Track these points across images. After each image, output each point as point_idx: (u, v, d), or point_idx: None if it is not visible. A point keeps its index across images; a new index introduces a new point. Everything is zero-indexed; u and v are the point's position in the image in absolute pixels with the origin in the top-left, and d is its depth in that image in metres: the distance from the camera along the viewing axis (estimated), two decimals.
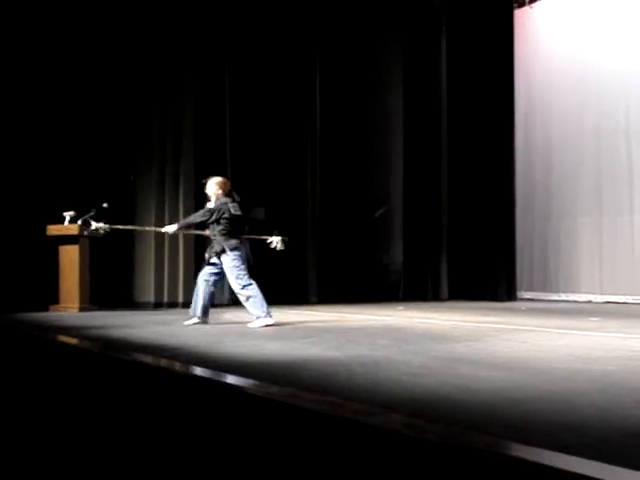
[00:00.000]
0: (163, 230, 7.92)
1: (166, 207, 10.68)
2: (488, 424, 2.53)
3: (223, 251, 7.05)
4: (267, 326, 6.78)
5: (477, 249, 12.85)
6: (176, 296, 10.58)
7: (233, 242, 7.10)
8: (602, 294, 12.03)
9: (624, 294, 11.70)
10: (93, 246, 9.61)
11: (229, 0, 11.52)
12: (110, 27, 10.53)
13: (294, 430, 2.53)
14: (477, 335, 6.05)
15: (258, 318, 6.89)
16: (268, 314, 6.91)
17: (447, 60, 13.39)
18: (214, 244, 7.17)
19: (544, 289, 12.90)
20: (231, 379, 3.28)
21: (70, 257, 9.37)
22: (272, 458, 2.59)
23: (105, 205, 9.48)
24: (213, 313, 7.48)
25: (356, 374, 3.74)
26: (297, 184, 12.40)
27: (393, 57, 13.80)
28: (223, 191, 7.35)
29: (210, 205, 7.33)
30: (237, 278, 7.01)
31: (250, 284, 6.98)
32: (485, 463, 1.94)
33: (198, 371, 3.60)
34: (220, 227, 7.14)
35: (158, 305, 10.42)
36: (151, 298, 10.49)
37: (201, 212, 7.39)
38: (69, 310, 9.19)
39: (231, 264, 7.04)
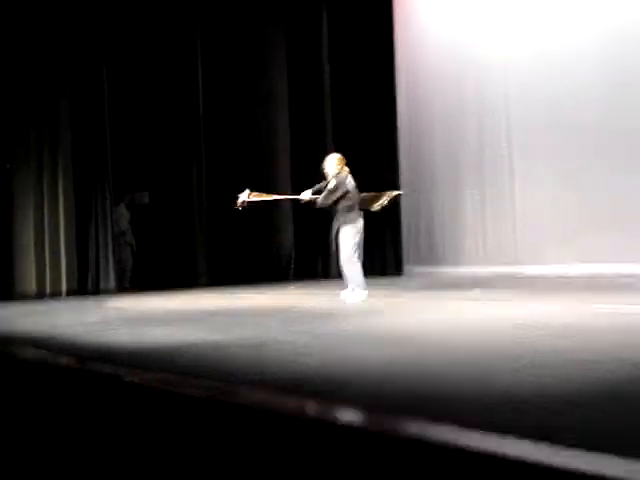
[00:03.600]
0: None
1: (45, 195, 10.31)
2: (370, 401, 2.54)
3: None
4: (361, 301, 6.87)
5: (365, 225, 12.95)
6: (59, 285, 10.23)
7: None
8: (486, 265, 12.35)
9: (506, 264, 12.04)
10: None
11: None
12: None
13: (166, 414, 2.48)
14: (363, 311, 6.11)
15: (353, 290, 7.01)
16: (364, 289, 7.02)
17: (329, 45, 13.36)
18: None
19: (431, 262, 13.16)
20: (105, 367, 3.17)
21: None
22: (144, 442, 2.52)
23: None
24: (98, 301, 7.29)
25: (239, 356, 3.70)
26: (182, 166, 12.20)
27: (277, 40, 13.69)
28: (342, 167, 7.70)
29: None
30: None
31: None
32: (359, 438, 1.94)
33: (70, 361, 3.47)
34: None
35: (40, 295, 10.06)
36: (32, 288, 10.12)
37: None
38: None
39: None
